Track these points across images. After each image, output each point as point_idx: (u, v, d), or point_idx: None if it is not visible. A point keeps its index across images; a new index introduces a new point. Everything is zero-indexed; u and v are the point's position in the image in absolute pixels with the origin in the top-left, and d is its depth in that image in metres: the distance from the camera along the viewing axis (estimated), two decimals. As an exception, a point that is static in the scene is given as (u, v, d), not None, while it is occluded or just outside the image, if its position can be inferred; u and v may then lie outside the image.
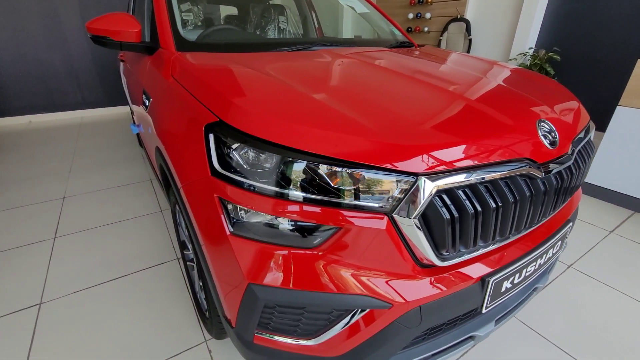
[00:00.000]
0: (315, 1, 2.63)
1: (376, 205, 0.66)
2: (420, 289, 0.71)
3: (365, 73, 1.09)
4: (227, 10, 2.42)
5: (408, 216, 0.66)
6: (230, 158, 0.73)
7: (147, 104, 1.29)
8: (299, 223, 0.69)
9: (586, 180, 2.22)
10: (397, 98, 0.88)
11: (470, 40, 3.55)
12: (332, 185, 0.66)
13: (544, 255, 0.91)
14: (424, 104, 0.86)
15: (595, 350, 1.18)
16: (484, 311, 0.83)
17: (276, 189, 0.68)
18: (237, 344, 0.84)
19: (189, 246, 1.18)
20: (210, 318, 1.07)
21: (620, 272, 1.56)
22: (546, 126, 0.82)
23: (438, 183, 0.65)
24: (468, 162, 0.69)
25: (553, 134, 0.82)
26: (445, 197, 0.68)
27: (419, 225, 0.67)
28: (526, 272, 0.87)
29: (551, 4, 2.97)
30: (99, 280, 1.50)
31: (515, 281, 0.86)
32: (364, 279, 0.69)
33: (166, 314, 1.33)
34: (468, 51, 3.61)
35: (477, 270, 0.77)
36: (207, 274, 0.87)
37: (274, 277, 0.70)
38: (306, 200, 0.67)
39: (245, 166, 0.71)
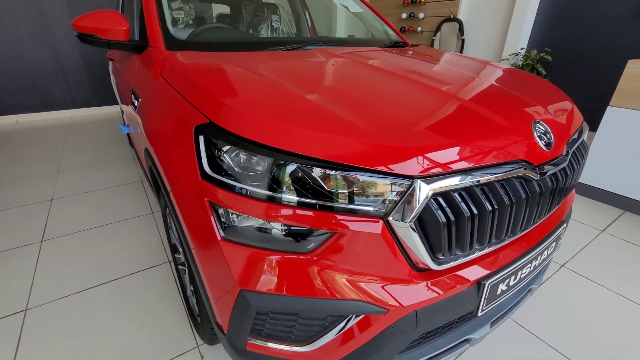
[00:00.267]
0: (308, 0, 2.60)
1: (371, 208, 0.65)
2: (416, 294, 0.70)
3: (359, 73, 1.07)
4: (219, 9, 2.39)
5: (403, 220, 0.65)
6: (221, 161, 0.71)
7: (136, 104, 1.26)
8: (292, 227, 0.67)
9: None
10: (392, 99, 0.86)
11: (463, 40, 3.56)
12: (326, 188, 0.65)
13: (539, 257, 0.91)
14: (420, 105, 0.84)
15: (589, 350, 1.18)
16: (479, 314, 0.82)
17: (268, 192, 0.66)
18: (229, 350, 0.82)
19: (180, 250, 1.15)
20: (202, 323, 1.05)
21: (612, 271, 1.58)
22: (541, 127, 0.82)
23: (434, 186, 0.64)
24: (464, 165, 0.68)
25: (548, 135, 0.82)
26: (441, 200, 0.67)
27: (414, 228, 0.66)
28: (521, 274, 0.87)
29: (543, 4, 2.99)
30: (87, 284, 1.46)
31: (511, 283, 0.85)
32: (358, 284, 0.68)
33: (157, 318, 1.30)
34: (461, 51, 3.62)
35: (473, 273, 0.77)
36: (198, 280, 0.85)
37: (266, 283, 0.68)
38: (299, 204, 0.65)
39: (236, 169, 0.69)
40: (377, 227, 0.65)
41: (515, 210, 0.75)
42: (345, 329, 0.70)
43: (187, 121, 0.79)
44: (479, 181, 0.68)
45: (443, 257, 0.71)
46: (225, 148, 0.70)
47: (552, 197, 0.86)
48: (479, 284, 0.77)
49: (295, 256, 0.68)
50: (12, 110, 4.08)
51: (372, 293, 0.68)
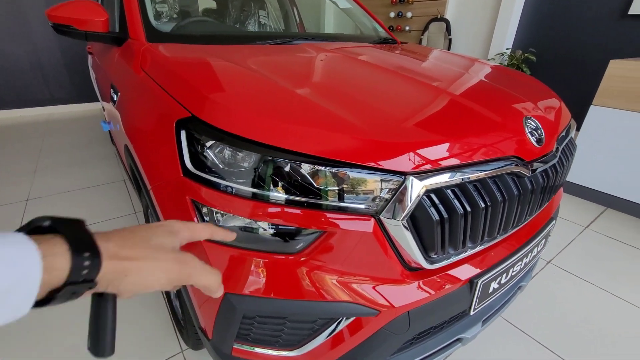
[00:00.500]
0: (296, -4, 2.56)
1: (362, 206, 0.62)
2: (408, 294, 0.68)
3: (349, 68, 1.05)
4: (205, 4, 2.33)
5: (396, 218, 0.62)
6: (205, 157, 0.67)
7: (115, 99, 1.20)
8: (279, 227, 0.64)
9: (562, 177, 2.28)
10: (383, 94, 0.84)
11: (450, 40, 3.59)
12: (316, 185, 0.62)
13: (530, 254, 0.90)
14: (411, 100, 0.82)
15: (576, 345, 1.19)
16: (471, 313, 0.81)
17: (255, 190, 0.63)
18: (214, 356, 0.78)
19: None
20: (186, 328, 1.01)
21: (597, 266, 1.60)
22: (532, 123, 0.81)
23: (427, 182, 0.62)
24: (457, 161, 0.66)
25: (539, 131, 0.81)
26: (434, 197, 0.65)
27: (407, 226, 0.64)
28: (512, 271, 0.86)
29: (527, 6, 3.04)
30: None
31: (502, 281, 0.84)
32: (349, 285, 0.65)
33: (140, 323, 1.24)
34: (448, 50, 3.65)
35: (465, 272, 0.75)
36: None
37: (253, 285, 0.65)
38: (288, 202, 0.62)
39: (220, 166, 0.66)
40: (368, 226, 0.63)
41: (508, 207, 0.74)
42: (336, 332, 0.68)
43: (168, 115, 0.74)
44: (471, 178, 0.66)
45: (436, 256, 0.69)
46: (209, 143, 0.67)
47: (542, 194, 0.85)
48: (472, 282, 0.75)
49: (283, 257, 0.65)
50: (-15, 107, 3.90)
51: (363, 294, 0.66)
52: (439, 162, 0.64)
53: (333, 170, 0.61)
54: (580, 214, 2.07)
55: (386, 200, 0.62)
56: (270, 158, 0.62)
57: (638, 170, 1.94)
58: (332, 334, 0.68)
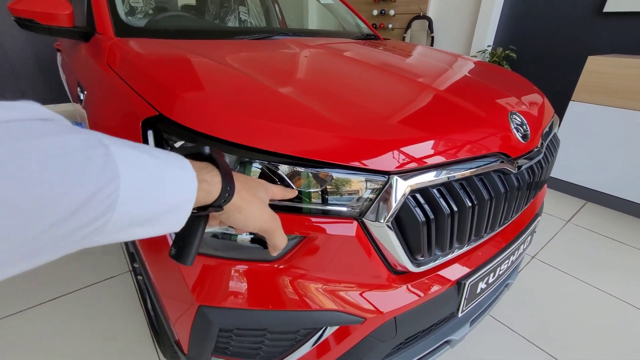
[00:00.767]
0: (278, -8, 2.51)
1: (344, 209, 0.59)
2: (394, 299, 0.65)
3: (330, 64, 1.01)
4: (183, 0, 2.25)
5: (379, 219, 0.59)
6: (174, 159, 0.62)
7: (82, 98, 1.12)
8: (256, 233, 0.59)
9: (544, 172, 2.32)
10: (366, 90, 0.81)
11: (432, 37, 3.60)
12: (295, 188, 0.58)
13: (516, 252, 0.89)
14: (395, 96, 0.79)
15: (560, 339, 1.20)
16: (460, 315, 0.79)
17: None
18: (191, 372, 0.73)
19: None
20: (162, 340, 0.95)
21: (580, 260, 1.62)
22: (518, 119, 0.79)
23: (412, 182, 0.59)
24: (442, 158, 0.63)
25: (524, 127, 0.79)
26: (419, 196, 0.62)
27: (392, 228, 0.60)
28: (500, 270, 0.84)
29: (506, 4, 3.08)
30: (40, 299, 1.30)
31: (490, 281, 0.82)
32: (332, 292, 0.62)
33: (117, 333, 1.17)
34: (431, 48, 3.66)
35: (452, 273, 0.73)
36: (153, 294, 0.75)
37: (228, 297, 0.60)
38: (265, 206, 0.58)
39: (191, 168, 0.60)
40: (351, 229, 0.59)
41: (495, 205, 0.71)
42: (319, 342, 0.64)
43: (134, 114, 0.69)
44: (457, 176, 0.64)
45: (422, 258, 0.66)
46: (178, 144, 0.61)
47: (528, 191, 0.84)
48: (459, 284, 0.73)
49: (260, 265, 0.60)
50: (-52, 109, 3.66)
51: (347, 301, 0.62)
52: (424, 161, 0.61)
53: (313, 171, 0.57)
54: (561, 208, 2.11)
55: (369, 201, 0.59)
56: (246, 160, 0.58)
57: (616, 164, 1.99)
58: (316, 345, 0.64)
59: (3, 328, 1.19)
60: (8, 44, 3.71)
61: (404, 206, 0.60)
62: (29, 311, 1.26)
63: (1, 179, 0.19)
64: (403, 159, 0.60)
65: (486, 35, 3.20)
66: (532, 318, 1.28)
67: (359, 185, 0.58)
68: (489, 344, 1.17)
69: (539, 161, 0.83)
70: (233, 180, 0.37)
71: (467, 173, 0.65)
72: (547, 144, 0.91)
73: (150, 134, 0.64)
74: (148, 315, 1.19)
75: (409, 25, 3.76)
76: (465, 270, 0.75)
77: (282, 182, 0.57)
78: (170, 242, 0.62)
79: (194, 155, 0.36)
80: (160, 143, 0.64)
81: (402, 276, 0.67)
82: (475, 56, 3.26)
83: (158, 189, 0.28)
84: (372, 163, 0.58)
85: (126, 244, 1.22)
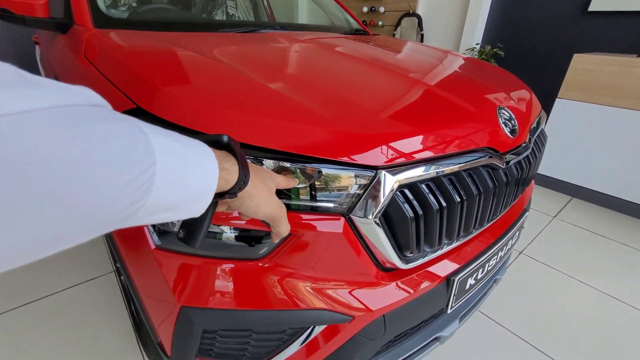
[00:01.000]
0: (266, -13, 2.47)
1: (331, 205, 0.57)
2: (383, 297, 0.64)
3: (318, 58, 0.99)
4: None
5: (367, 216, 0.58)
6: (153, 154, 0.59)
7: (59, 92, 1.08)
8: (240, 231, 0.57)
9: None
10: (354, 84, 0.79)
11: (422, 35, 3.61)
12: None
13: (505, 248, 0.89)
14: (384, 90, 0.78)
15: (548, 333, 1.21)
16: (449, 311, 0.78)
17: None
18: (175, 374, 0.71)
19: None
20: (146, 342, 0.92)
21: (566, 255, 1.65)
22: (506, 114, 0.79)
23: (400, 177, 0.58)
24: (431, 153, 0.62)
25: (513, 121, 0.79)
26: (407, 192, 0.60)
27: (380, 224, 0.59)
28: (488, 266, 0.84)
29: (494, 2, 3.10)
30: (20, 301, 1.25)
31: (479, 277, 0.82)
32: (319, 291, 0.60)
33: (101, 335, 1.14)
34: (421, 45, 3.67)
35: (441, 269, 0.72)
36: (135, 295, 0.72)
37: (212, 297, 0.58)
38: (249, 203, 0.56)
39: (172, 163, 0.58)
40: (338, 226, 0.58)
41: (483, 200, 0.71)
42: (307, 342, 0.62)
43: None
44: (445, 171, 0.63)
45: (411, 255, 0.65)
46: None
47: (516, 186, 0.83)
48: (448, 280, 0.72)
49: (245, 264, 0.58)
50: None
51: (335, 299, 0.61)
52: (413, 155, 0.60)
53: (300, 166, 0.56)
54: (547, 204, 2.14)
55: (357, 197, 0.57)
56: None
57: (601, 161, 2.02)
58: (304, 344, 0.63)
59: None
60: (-15, 36, 3.57)
61: (392, 202, 0.58)
62: (8, 314, 1.21)
63: (64, 161, 0.21)
64: (391, 154, 0.58)
65: (475, 33, 3.23)
66: (520, 313, 1.30)
67: (347, 180, 0.57)
68: (477, 340, 1.18)
69: (527, 156, 0.83)
70: (249, 169, 0.39)
71: (455, 168, 0.64)
72: (535, 140, 0.91)
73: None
74: (132, 317, 1.15)
75: (398, 23, 3.76)
76: (455, 266, 0.74)
77: (267, 177, 0.55)
78: (149, 237, 0.60)
79: (213, 142, 0.38)
80: (139, 137, 0.61)
81: (390, 273, 0.66)
82: (464, 54, 3.29)
83: (187, 176, 0.30)
84: (359, 158, 0.57)
85: (108, 243, 1.18)
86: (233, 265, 0.58)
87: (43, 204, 0.20)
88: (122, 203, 0.25)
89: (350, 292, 0.62)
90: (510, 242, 0.92)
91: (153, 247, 0.59)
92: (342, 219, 0.58)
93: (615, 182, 2.00)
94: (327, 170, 0.56)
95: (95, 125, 0.23)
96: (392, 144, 0.59)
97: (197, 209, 0.33)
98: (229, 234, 0.59)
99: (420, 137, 0.62)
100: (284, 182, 0.50)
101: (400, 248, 0.63)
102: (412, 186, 0.60)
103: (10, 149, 0.19)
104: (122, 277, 1.13)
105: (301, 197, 0.57)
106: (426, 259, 0.68)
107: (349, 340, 0.64)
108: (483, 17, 3.17)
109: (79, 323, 1.18)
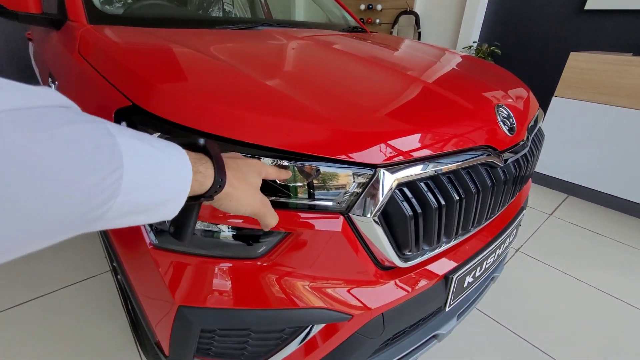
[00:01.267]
0: (263, -17, 2.45)
1: (329, 203, 0.57)
2: (382, 295, 0.64)
3: (316, 55, 0.98)
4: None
5: (366, 214, 0.57)
6: (150, 152, 0.59)
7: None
8: (238, 230, 0.57)
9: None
10: (353, 82, 0.79)
11: (419, 33, 3.61)
12: (279, 182, 0.55)
13: (502, 245, 0.89)
14: (384, 89, 0.78)
15: (544, 330, 1.22)
16: (447, 309, 0.78)
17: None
18: (173, 374, 0.70)
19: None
20: (143, 342, 0.91)
21: (562, 252, 1.66)
22: (504, 112, 0.79)
23: (399, 175, 0.57)
24: (430, 152, 0.62)
25: (511, 119, 0.79)
26: (406, 190, 0.60)
27: (379, 222, 0.59)
28: (486, 264, 0.84)
29: (491, 1, 3.10)
30: (14, 301, 1.24)
31: (477, 274, 0.82)
32: (318, 289, 0.60)
33: (97, 335, 1.13)
34: (418, 43, 3.67)
35: (439, 268, 0.72)
36: (132, 295, 0.72)
37: (210, 296, 0.58)
38: (247, 201, 0.55)
39: (168, 162, 0.57)
40: (337, 224, 0.57)
41: (482, 199, 0.71)
42: (305, 340, 0.62)
43: (107, 105, 0.64)
44: (441, 169, 0.63)
45: (410, 253, 0.65)
46: (154, 136, 0.58)
47: (514, 184, 0.84)
48: (447, 278, 0.72)
49: (243, 262, 0.58)
50: None
51: (333, 298, 0.60)
52: (412, 153, 0.60)
53: (298, 164, 0.55)
54: (543, 201, 2.15)
55: (355, 195, 0.57)
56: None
57: (597, 158, 2.04)
58: (302, 343, 0.63)
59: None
60: (-23, 33, 3.52)
61: (391, 200, 0.58)
62: (2, 314, 1.20)
63: (24, 164, 0.20)
64: (390, 152, 0.58)
65: (472, 32, 3.23)
66: (517, 310, 1.30)
67: (345, 178, 0.56)
68: (474, 337, 1.18)
69: (525, 155, 0.83)
70: (225, 172, 0.38)
71: (454, 166, 0.63)
72: (533, 138, 0.91)
73: (123, 125, 0.60)
74: (129, 316, 1.15)
75: (396, 21, 3.75)
76: (453, 264, 0.74)
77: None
78: (146, 236, 0.60)
79: (188, 145, 0.37)
80: (135, 135, 0.60)
81: (389, 272, 0.66)
82: (462, 52, 3.29)
83: (157, 179, 0.30)
84: (358, 156, 0.56)
85: (104, 242, 1.17)
86: (231, 265, 0.58)
87: (1, 206, 0.20)
88: (87, 206, 0.24)
89: (349, 291, 0.62)
90: (508, 240, 0.92)
91: (150, 246, 0.59)
92: (341, 217, 0.58)
93: (610, 180, 2.02)
94: (326, 168, 0.55)
95: (58, 128, 0.23)
96: (391, 142, 0.59)
97: (169, 212, 0.33)
98: (227, 233, 0.58)
99: (419, 135, 0.62)
100: (274, 173, 0.50)
101: (399, 246, 0.63)
102: (411, 184, 0.60)
103: None
104: (118, 277, 1.12)
105: (300, 195, 0.56)
106: (425, 257, 0.68)
107: (347, 338, 0.64)
108: (480, 15, 3.18)
109: (74, 323, 1.17)
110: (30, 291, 1.29)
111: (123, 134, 0.28)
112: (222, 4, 2.10)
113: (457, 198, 0.64)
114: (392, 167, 0.57)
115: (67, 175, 0.23)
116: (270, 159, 0.55)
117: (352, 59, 0.97)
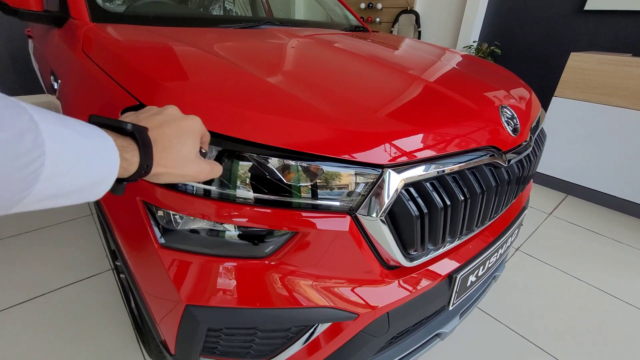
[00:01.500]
0: (264, -18, 2.44)
1: (337, 203, 0.57)
2: (387, 294, 0.64)
3: (319, 54, 0.98)
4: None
5: (373, 214, 0.58)
6: (157, 151, 0.59)
7: (55, 88, 1.06)
8: (246, 229, 0.57)
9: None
10: (357, 82, 0.79)
11: (419, 32, 3.61)
12: (286, 182, 0.55)
13: (504, 245, 0.90)
14: (388, 88, 0.78)
15: (544, 328, 1.23)
16: (450, 308, 0.79)
17: (219, 189, 0.56)
18: (178, 373, 0.71)
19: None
20: (147, 341, 0.92)
21: (562, 252, 1.67)
22: (508, 112, 0.79)
23: (405, 175, 0.58)
24: (435, 152, 0.62)
25: (515, 120, 0.79)
26: (412, 190, 0.61)
27: (385, 222, 0.59)
28: (489, 263, 0.85)
29: (492, 0, 3.10)
30: (15, 300, 1.24)
31: (480, 274, 0.83)
32: (325, 289, 0.60)
33: (99, 334, 1.13)
34: (418, 43, 3.67)
35: (444, 267, 0.72)
36: (137, 294, 0.72)
37: (217, 295, 0.58)
38: (255, 201, 0.56)
39: (176, 161, 0.57)
40: (344, 224, 0.58)
41: (486, 199, 0.71)
42: (311, 339, 0.62)
43: (113, 105, 0.65)
44: (451, 169, 0.63)
45: (415, 253, 0.65)
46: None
47: (517, 185, 0.84)
48: (450, 277, 0.73)
49: (250, 262, 0.58)
50: None
51: (340, 297, 0.61)
52: (418, 154, 0.60)
53: (304, 164, 0.55)
54: (543, 201, 2.16)
55: (363, 195, 0.57)
56: (236, 152, 0.55)
57: (596, 158, 2.05)
58: (308, 342, 0.63)
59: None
60: (-25, 29, 3.49)
61: (398, 200, 0.58)
62: (2, 313, 1.19)
63: None
64: (396, 152, 0.58)
65: (472, 31, 3.23)
66: (517, 309, 1.31)
67: (352, 179, 0.57)
68: (475, 335, 1.19)
69: (528, 155, 0.83)
70: (152, 157, 0.38)
71: (459, 166, 0.64)
72: (535, 138, 0.92)
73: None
74: (132, 315, 1.15)
75: (396, 20, 3.75)
76: (456, 264, 0.74)
77: (272, 175, 0.55)
78: (153, 234, 0.60)
79: (117, 129, 0.37)
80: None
81: (394, 271, 0.66)
82: (462, 51, 3.29)
83: (81, 165, 0.30)
84: (365, 156, 0.57)
85: (107, 241, 1.17)
86: (239, 264, 0.58)
87: None
88: (6, 193, 0.25)
89: (355, 290, 0.62)
90: (510, 239, 0.93)
91: (157, 245, 0.59)
92: (348, 217, 0.58)
93: (610, 180, 2.03)
94: (332, 168, 0.56)
95: None
96: (398, 142, 0.59)
97: (93, 195, 0.33)
98: (233, 232, 0.59)
99: (425, 136, 0.62)
100: (208, 135, 0.49)
101: (404, 246, 0.63)
102: (417, 184, 0.61)
103: None
104: (121, 275, 1.12)
105: (306, 195, 0.56)
106: (429, 256, 0.69)
107: (353, 337, 0.64)
108: (480, 14, 3.18)
109: (76, 322, 1.17)
110: (31, 290, 1.29)
111: (47, 120, 0.27)
112: (224, 2, 2.09)
113: (462, 198, 0.65)
114: (398, 167, 0.58)
115: None
116: (277, 159, 0.55)
117: (356, 59, 0.97)
